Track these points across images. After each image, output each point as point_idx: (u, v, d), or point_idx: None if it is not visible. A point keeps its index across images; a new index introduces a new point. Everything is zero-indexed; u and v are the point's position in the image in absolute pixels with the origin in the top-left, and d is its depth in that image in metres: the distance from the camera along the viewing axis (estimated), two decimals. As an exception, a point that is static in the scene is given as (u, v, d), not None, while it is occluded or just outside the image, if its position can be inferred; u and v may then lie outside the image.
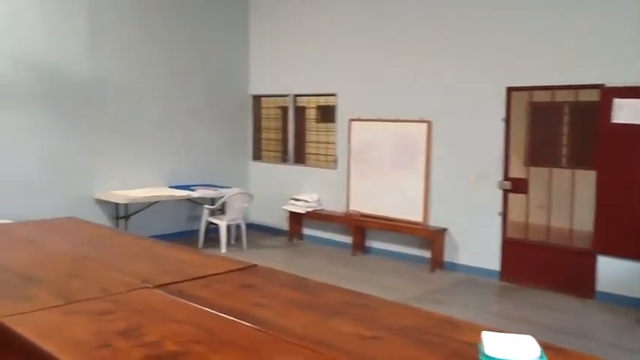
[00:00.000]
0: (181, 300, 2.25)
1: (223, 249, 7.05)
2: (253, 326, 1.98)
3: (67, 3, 6.54)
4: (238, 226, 7.53)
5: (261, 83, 8.56)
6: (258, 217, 8.44)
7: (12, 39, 6.11)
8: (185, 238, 7.33)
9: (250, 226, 8.02)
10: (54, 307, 2.17)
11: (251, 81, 8.64)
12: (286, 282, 2.64)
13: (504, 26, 6.14)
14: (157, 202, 7.06)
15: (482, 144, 6.38)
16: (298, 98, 8.24)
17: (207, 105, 8.02)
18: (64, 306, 2.17)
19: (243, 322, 2.02)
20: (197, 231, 7.43)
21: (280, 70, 8.31)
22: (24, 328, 1.93)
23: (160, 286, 2.44)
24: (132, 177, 7.25)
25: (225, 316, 2.07)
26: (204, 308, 2.15)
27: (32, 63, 6.27)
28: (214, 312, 2.11)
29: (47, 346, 1.77)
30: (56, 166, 6.56)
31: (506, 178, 6.27)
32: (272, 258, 6.89)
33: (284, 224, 8.09)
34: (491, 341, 1.56)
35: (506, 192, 6.30)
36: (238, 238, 7.55)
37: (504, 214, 6.32)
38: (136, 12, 7.17)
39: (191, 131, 7.84)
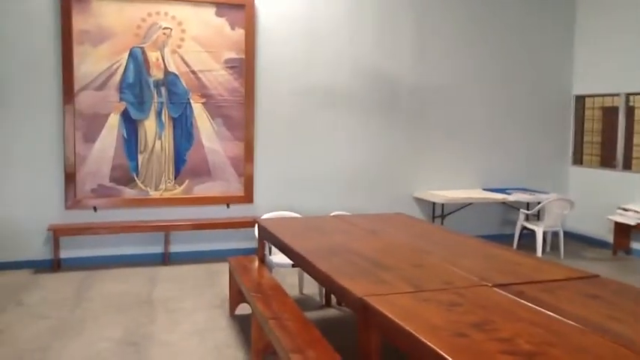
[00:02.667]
0: (524, 302, 2.25)
1: (538, 256, 6.76)
2: (610, 339, 1.87)
3: (396, 15, 7.07)
4: (555, 234, 7.12)
5: (586, 82, 7.90)
6: (576, 225, 7.84)
7: (352, 50, 6.88)
8: (496, 241, 7.22)
9: (566, 235, 7.51)
10: (406, 292, 2.39)
11: (574, 80, 8.07)
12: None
13: None
14: (470, 203, 7.15)
15: None
16: (628, 98, 7.39)
17: (525, 107, 7.77)
18: (415, 293, 2.38)
19: (596, 333, 1.92)
20: (508, 235, 7.26)
21: (609, 68, 7.54)
22: (384, 308, 2.17)
23: (499, 286, 2.48)
24: (448, 178, 7.46)
25: (574, 324, 2.00)
26: (551, 313, 2.10)
27: (368, 71, 6.95)
28: (563, 319, 2.05)
29: (408, 326, 1.96)
30: (382, 166, 7.15)
31: None
32: (593, 271, 6.32)
33: (607, 235, 7.34)
34: None
35: None
36: (553, 246, 7.12)
37: None
38: (459, 18, 7.35)
39: (507, 134, 7.69)
